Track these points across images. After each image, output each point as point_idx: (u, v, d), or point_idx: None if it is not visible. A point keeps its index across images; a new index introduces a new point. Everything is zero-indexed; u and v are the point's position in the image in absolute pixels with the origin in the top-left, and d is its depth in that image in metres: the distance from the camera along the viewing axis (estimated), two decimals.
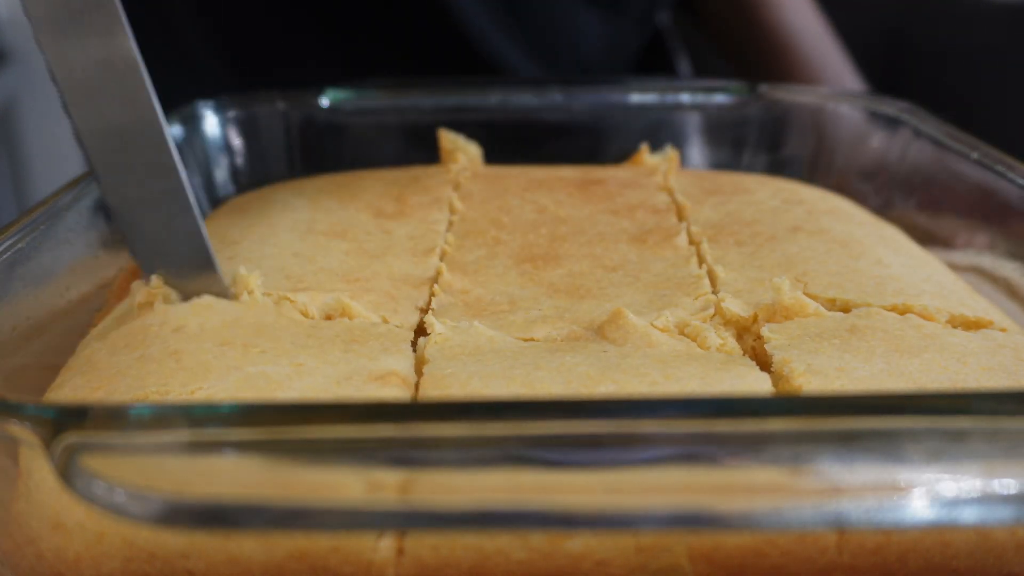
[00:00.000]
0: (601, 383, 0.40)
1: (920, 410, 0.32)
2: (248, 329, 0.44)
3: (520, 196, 0.64)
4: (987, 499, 0.30)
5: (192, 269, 0.47)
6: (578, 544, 0.34)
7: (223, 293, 0.47)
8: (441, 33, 0.90)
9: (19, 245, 0.48)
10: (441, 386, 0.40)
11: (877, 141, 0.71)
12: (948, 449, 0.31)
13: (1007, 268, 0.57)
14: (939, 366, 0.42)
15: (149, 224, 0.46)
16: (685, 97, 0.77)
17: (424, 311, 0.48)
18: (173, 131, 0.67)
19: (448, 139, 0.72)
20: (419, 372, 0.43)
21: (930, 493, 0.30)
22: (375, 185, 0.65)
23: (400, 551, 0.35)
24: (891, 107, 0.71)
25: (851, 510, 0.30)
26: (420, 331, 0.47)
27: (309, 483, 0.31)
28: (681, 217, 0.60)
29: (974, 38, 1.43)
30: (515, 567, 0.35)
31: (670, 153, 0.72)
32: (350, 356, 0.43)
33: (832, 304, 0.48)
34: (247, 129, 0.74)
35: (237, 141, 0.73)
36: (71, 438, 0.31)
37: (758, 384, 0.41)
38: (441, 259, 0.54)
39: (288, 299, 0.47)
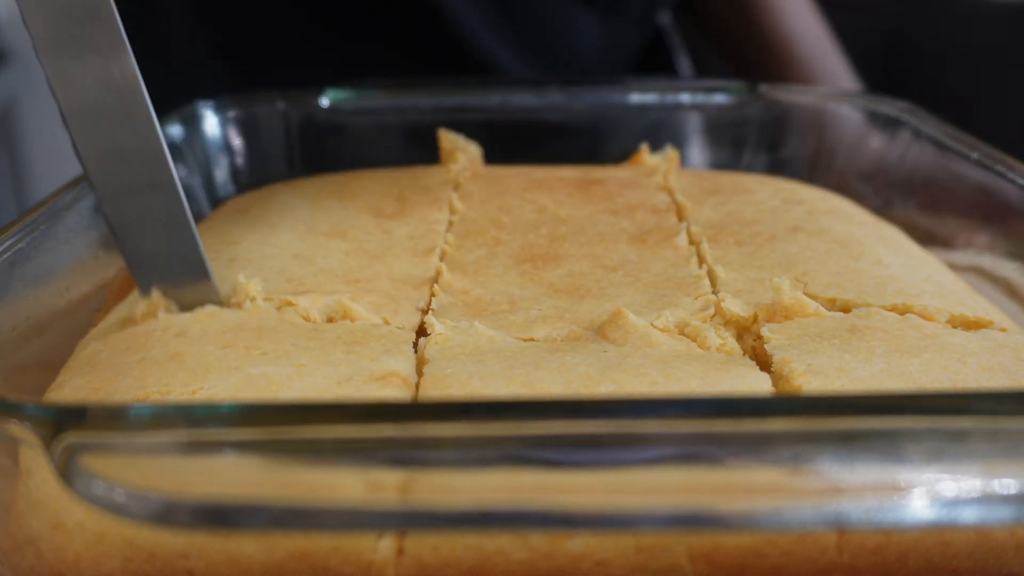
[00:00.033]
0: (601, 383, 0.40)
1: (920, 410, 0.31)
2: (250, 332, 0.45)
3: (520, 196, 0.63)
4: (987, 499, 0.30)
5: (188, 283, 0.47)
6: (578, 544, 0.34)
7: (219, 304, 0.47)
8: (434, 33, 0.90)
9: (19, 245, 0.48)
10: (441, 386, 0.40)
11: (877, 141, 0.71)
12: (948, 449, 0.31)
13: (1007, 268, 0.57)
14: (939, 366, 0.42)
15: (147, 240, 0.46)
16: (685, 97, 0.77)
17: (424, 312, 0.48)
18: (173, 131, 0.67)
19: (448, 139, 0.72)
20: (419, 372, 0.43)
21: (930, 493, 0.30)
22: (375, 185, 0.65)
23: (400, 551, 0.35)
24: (891, 107, 0.71)
25: (851, 510, 0.30)
26: (421, 332, 0.47)
27: (309, 483, 0.31)
28: (681, 217, 0.60)
29: (974, 38, 1.43)
30: (515, 567, 0.35)
31: (670, 153, 0.72)
32: (351, 357, 0.43)
33: (832, 304, 0.48)
34: (247, 129, 0.74)
35: (237, 141, 0.73)
36: (71, 438, 0.31)
37: (758, 384, 0.41)
38: (441, 259, 0.54)
39: (290, 303, 0.47)
